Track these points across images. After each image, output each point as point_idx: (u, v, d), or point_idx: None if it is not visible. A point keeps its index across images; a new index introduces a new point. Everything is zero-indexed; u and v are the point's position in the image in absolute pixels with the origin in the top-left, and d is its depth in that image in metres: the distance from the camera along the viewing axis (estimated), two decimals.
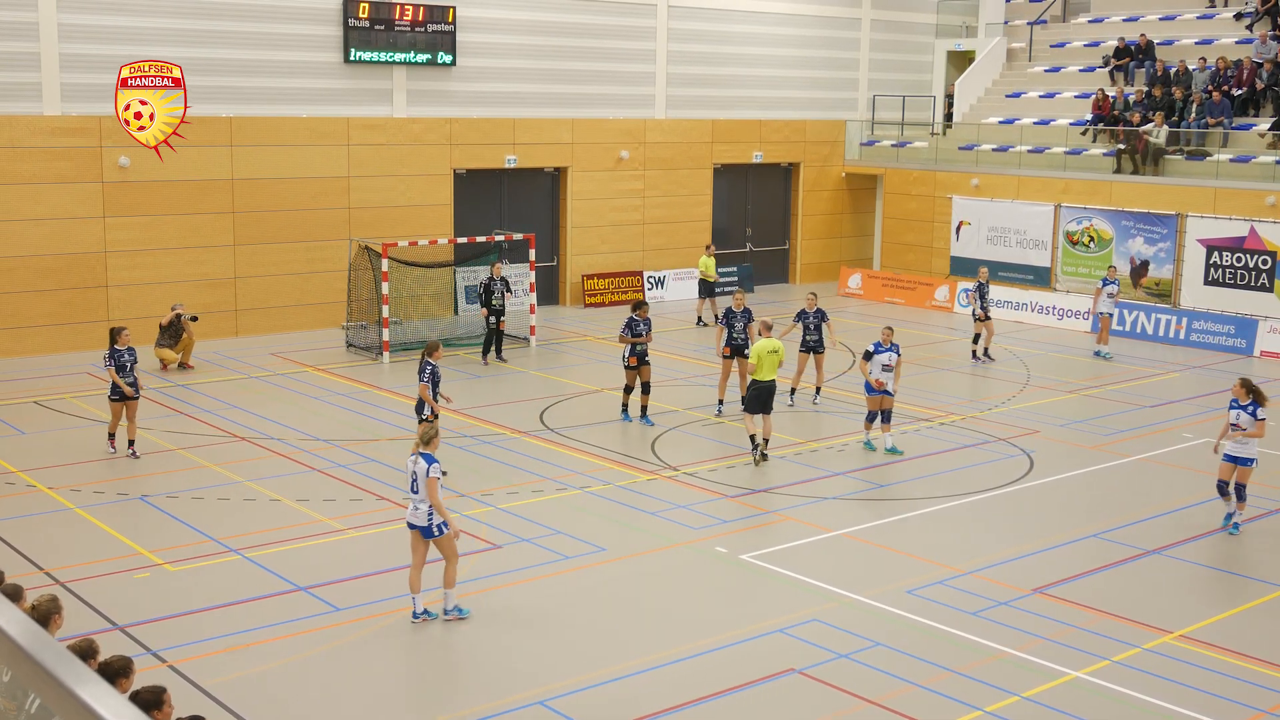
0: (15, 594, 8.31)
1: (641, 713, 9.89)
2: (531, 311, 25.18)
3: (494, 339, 23.26)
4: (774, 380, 16.49)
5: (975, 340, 24.06)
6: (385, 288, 23.10)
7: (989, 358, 23.86)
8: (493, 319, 23.15)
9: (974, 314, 23.96)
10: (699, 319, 27.66)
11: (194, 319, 22.51)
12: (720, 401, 19.61)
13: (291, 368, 22.51)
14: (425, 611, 11.52)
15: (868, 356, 17.63)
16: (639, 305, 18.93)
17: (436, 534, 11.35)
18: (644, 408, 18.88)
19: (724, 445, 17.98)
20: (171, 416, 18.95)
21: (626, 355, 18.67)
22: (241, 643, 11.07)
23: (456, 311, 26.44)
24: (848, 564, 13.43)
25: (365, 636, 11.27)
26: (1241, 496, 14.45)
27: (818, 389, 20.55)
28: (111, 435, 16.85)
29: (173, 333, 22.14)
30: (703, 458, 17.29)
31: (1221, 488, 14.54)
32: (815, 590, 12.55)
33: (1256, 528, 14.83)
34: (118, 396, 16.48)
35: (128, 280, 23.76)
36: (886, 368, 17.49)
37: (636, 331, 18.61)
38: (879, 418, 17.71)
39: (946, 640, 11.36)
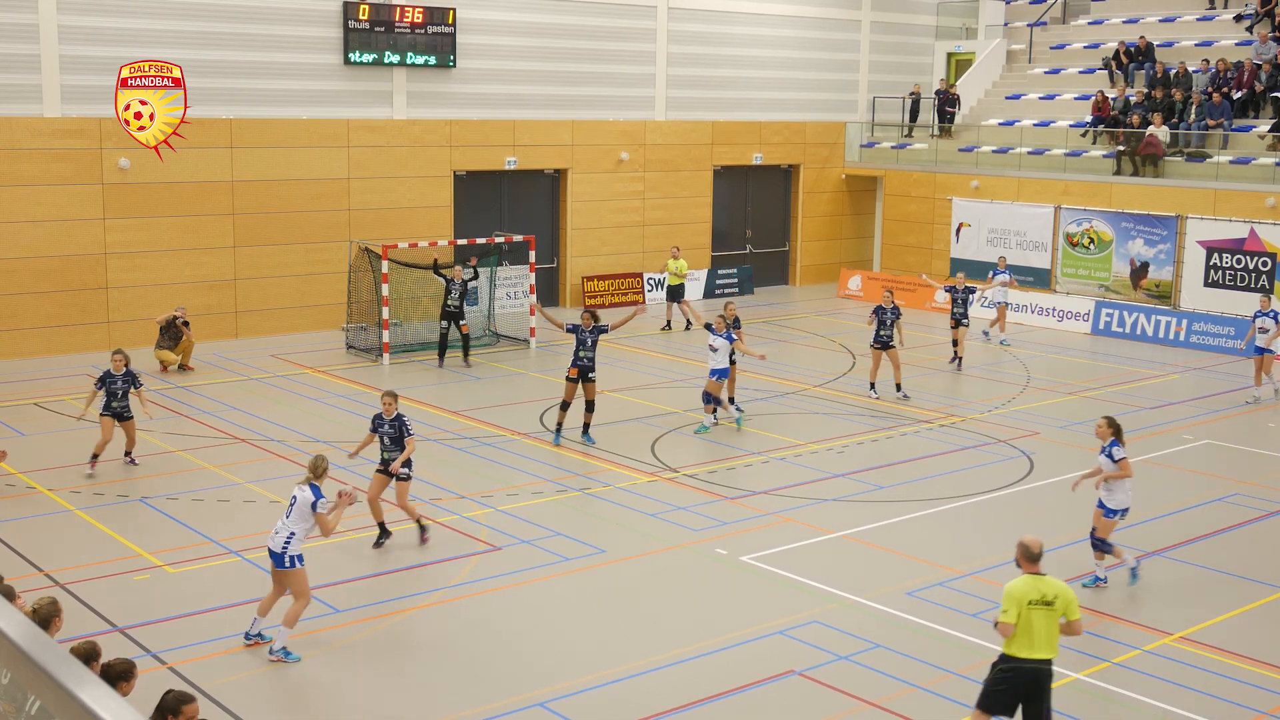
0: (9, 595, 8.30)
1: (642, 714, 9.88)
2: (531, 313, 25.17)
3: (464, 342, 22.96)
4: (1049, 660, 8.94)
5: (992, 325, 24.32)
6: (385, 289, 23.10)
7: (999, 341, 24.17)
8: (444, 322, 22.93)
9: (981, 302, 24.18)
10: (667, 324, 27.32)
11: (185, 324, 22.47)
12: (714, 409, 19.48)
13: (291, 369, 22.50)
14: (260, 635, 10.96)
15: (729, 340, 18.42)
16: (584, 314, 17.86)
17: (288, 565, 10.74)
18: (586, 425, 17.95)
19: (724, 447, 17.97)
20: (171, 418, 18.95)
21: (568, 366, 17.81)
22: (242, 644, 11.06)
23: None
24: (848, 566, 13.42)
25: (366, 638, 11.26)
26: (1102, 548, 12.72)
27: (898, 385, 20.76)
28: (95, 456, 16.04)
29: (172, 334, 22.15)
30: (702, 459, 17.28)
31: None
32: (815, 592, 12.54)
33: (1256, 528, 14.84)
34: (109, 412, 16.09)
35: (127, 282, 23.76)
36: (713, 348, 18.32)
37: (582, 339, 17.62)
38: (718, 400, 18.61)
39: (946, 642, 11.35)
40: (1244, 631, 11.79)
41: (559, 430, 17.91)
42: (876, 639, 11.38)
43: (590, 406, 17.87)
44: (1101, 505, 12.70)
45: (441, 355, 23.08)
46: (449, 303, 22.80)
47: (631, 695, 10.22)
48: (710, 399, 18.59)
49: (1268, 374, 21.26)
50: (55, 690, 2.23)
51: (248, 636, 11.01)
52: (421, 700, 10.22)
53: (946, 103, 33.60)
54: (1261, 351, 21.16)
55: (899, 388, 20.70)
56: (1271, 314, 21.13)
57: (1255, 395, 21.31)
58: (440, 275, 23.22)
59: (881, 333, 20.49)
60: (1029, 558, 9.03)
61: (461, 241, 25.62)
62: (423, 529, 13.62)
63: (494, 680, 10.48)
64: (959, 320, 23.49)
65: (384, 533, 13.53)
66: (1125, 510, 12.69)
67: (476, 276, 24.02)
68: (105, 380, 16.08)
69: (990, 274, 26.47)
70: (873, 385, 20.86)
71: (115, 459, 16.70)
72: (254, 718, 9.83)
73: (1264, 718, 10.09)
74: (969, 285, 23.96)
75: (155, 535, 13.91)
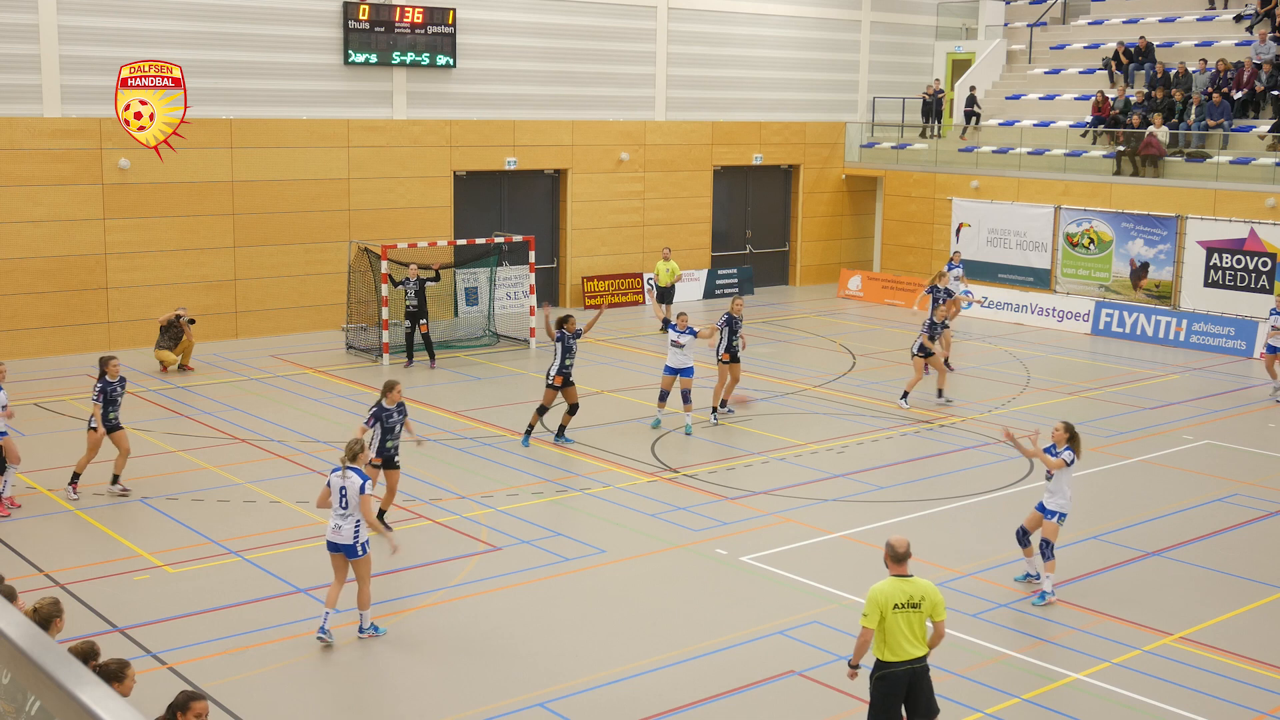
0: (10, 596, 8.30)
1: (642, 714, 9.88)
2: (531, 314, 25.17)
3: (424, 343, 22.77)
4: (923, 657, 8.80)
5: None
6: (385, 290, 23.09)
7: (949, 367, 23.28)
8: (407, 322, 22.82)
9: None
10: (664, 324, 27.12)
11: (191, 322, 22.52)
12: (714, 409, 19.45)
13: (291, 370, 22.50)
14: (329, 632, 11.03)
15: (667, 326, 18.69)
16: (566, 319, 17.60)
17: (360, 554, 10.98)
18: (562, 428, 17.91)
19: (723, 447, 17.97)
20: (171, 418, 18.95)
21: (553, 374, 17.49)
22: (241, 645, 11.06)
23: (456, 314, 26.45)
24: (848, 566, 13.42)
25: (366, 639, 11.25)
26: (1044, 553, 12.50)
27: (905, 393, 20.57)
28: (76, 476, 15.05)
29: (173, 334, 22.15)
30: (702, 459, 17.28)
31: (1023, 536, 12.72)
32: (815, 592, 12.54)
33: (1256, 528, 14.84)
34: (107, 424, 14.93)
35: (127, 282, 23.75)
36: (676, 344, 18.38)
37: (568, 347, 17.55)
38: (668, 397, 18.68)
39: (947, 642, 11.31)
40: (1244, 631, 11.79)
41: (529, 432, 17.77)
42: None
43: (574, 409, 17.80)
44: (1041, 506, 12.49)
45: (409, 355, 23.00)
46: (408, 303, 22.73)
47: (631, 695, 10.22)
48: (665, 395, 18.70)
49: (1273, 375, 21.40)
50: (55, 690, 2.23)
51: (323, 631, 11.05)
52: (421, 700, 10.21)
53: (969, 102, 33.49)
54: (1275, 350, 21.34)
55: (905, 395, 20.52)
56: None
57: (1276, 387, 21.52)
58: (396, 284, 22.95)
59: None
60: (895, 559, 8.79)
61: (461, 241, 25.63)
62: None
63: (494, 680, 10.48)
64: (944, 324, 23.26)
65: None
66: (1063, 515, 12.38)
67: (437, 278, 23.59)
68: (107, 389, 14.93)
69: (946, 269, 26.15)
70: (940, 392, 20.71)
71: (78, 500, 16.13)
72: (254, 718, 9.82)
73: (1264, 718, 10.09)
74: (948, 288, 23.80)
75: (155, 535, 13.90)
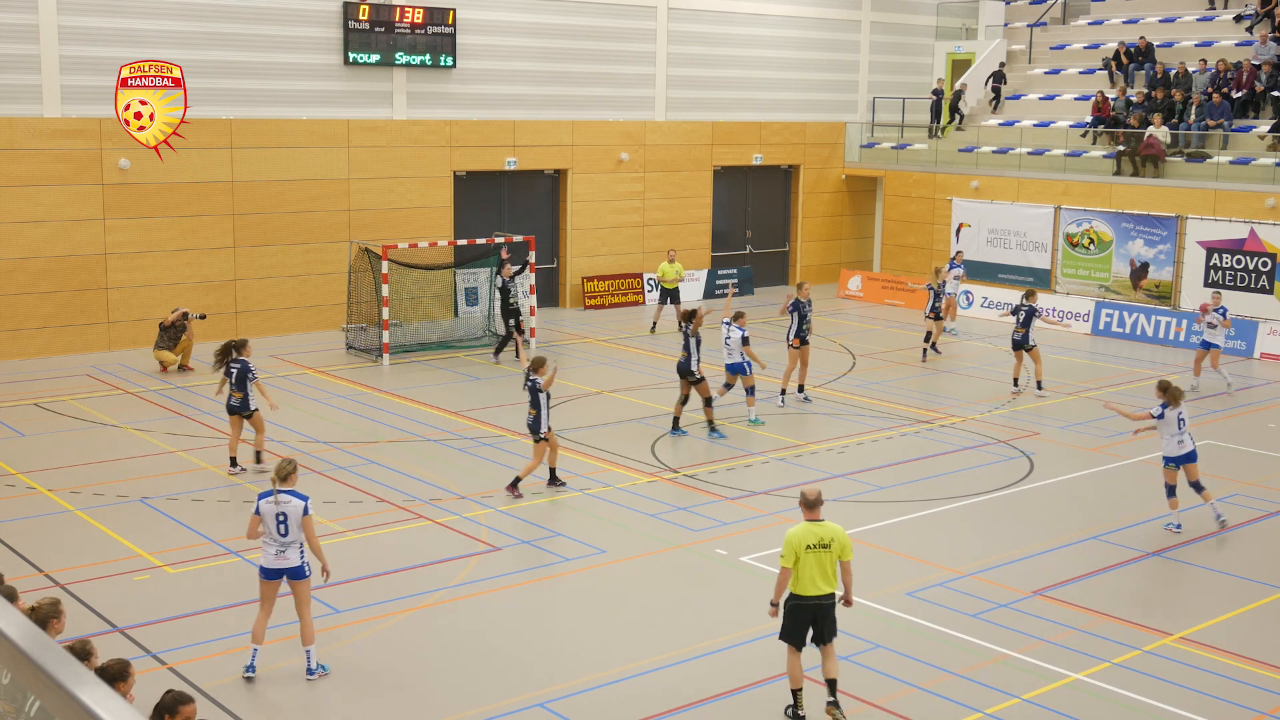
0: (11, 596, 8.30)
1: (642, 714, 9.88)
2: (531, 313, 25.17)
3: (510, 342, 23.14)
4: (830, 594, 9.80)
5: (927, 339, 24.52)
6: (385, 290, 23.10)
7: (936, 351, 24.54)
8: (512, 321, 23.04)
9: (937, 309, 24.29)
10: (653, 326, 26.98)
11: (201, 317, 22.58)
12: (782, 391, 20.10)
13: (291, 370, 22.50)
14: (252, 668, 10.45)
15: (745, 341, 18.64)
16: (694, 314, 18.26)
17: (308, 574, 10.36)
18: (710, 421, 18.34)
19: (724, 447, 17.97)
20: (171, 418, 18.95)
21: (696, 366, 18.04)
22: (241, 645, 11.05)
23: (456, 314, 26.45)
24: None
25: (365, 639, 11.26)
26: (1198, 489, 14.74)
27: (1038, 382, 21.47)
28: (234, 457, 16.17)
29: (173, 334, 22.15)
30: (702, 459, 17.28)
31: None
32: None
33: (1256, 528, 14.84)
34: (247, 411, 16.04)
35: (127, 282, 23.75)
36: (727, 342, 18.65)
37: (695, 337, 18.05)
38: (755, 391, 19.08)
39: (946, 642, 11.36)
40: (1244, 631, 11.79)
41: (676, 423, 18.34)
42: (876, 639, 11.38)
43: (709, 402, 18.30)
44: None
45: (500, 351, 23.39)
46: (512, 301, 22.99)
47: (631, 695, 10.23)
48: (752, 390, 18.96)
49: (1214, 367, 21.97)
50: (55, 691, 2.23)
51: (250, 670, 10.38)
52: (422, 701, 10.21)
53: (996, 79, 33.54)
54: (1208, 345, 21.99)
55: (1040, 384, 21.41)
56: (1221, 310, 21.88)
57: (1193, 384, 21.92)
58: (500, 274, 23.49)
59: (1014, 335, 21.40)
60: (806, 505, 10.00)
61: (461, 242, 25.64)
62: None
63: (494, 680, 10.49)
64: (938, 314, 24.27)
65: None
66: (1165, 458, 14.59)
67: (523, 269, 24.32)
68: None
69: (948, 267, 26.70)
70: (1038, 384, 21.46)
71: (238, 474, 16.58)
72: (253, 718, 9.82)
73: (1264, 718, 10.09)
74: (943, 281, 24.57)
75: (155, 535, 13.91)
